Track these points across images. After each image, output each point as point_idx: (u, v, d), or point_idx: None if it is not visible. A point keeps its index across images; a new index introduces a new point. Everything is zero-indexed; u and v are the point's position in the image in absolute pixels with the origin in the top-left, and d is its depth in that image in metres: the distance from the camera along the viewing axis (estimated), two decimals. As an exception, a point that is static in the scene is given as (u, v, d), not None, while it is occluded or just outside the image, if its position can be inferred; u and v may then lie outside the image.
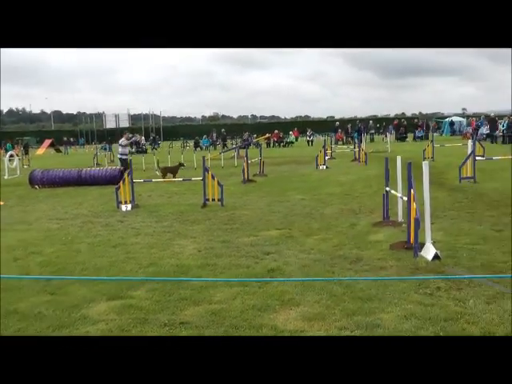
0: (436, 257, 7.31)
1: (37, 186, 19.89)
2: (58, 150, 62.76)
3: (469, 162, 16.23)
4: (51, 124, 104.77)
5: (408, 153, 26.75)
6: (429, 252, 7.41)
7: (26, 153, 43.75)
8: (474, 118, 56.24)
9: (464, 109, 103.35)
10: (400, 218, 10.00)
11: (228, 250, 8.50)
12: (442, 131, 62.22)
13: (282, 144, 52.14)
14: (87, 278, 7.14)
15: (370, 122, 59.09)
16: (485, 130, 43.30)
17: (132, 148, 47.32)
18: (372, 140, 50.60)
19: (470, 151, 16.56)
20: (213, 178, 13.63)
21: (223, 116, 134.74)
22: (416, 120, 63.51)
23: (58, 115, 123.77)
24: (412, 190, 7.91)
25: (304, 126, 70.64)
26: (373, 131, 54.07)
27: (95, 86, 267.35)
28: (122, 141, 22.88)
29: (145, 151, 46.56)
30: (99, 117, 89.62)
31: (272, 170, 23.43)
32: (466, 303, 5.67)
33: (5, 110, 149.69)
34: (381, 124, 62.91)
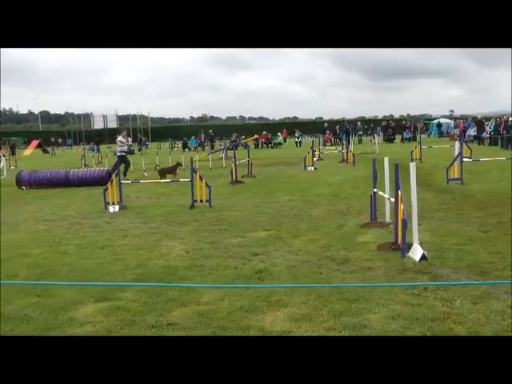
0: (423, 257, 7.33)
1: (24, 187, 19.79)
2: (45, 151, 62.52)
3: (456, 164, 16.30)
4: (39, 124, 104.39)
5: (396, 154, 26.85)
6: (416, 253, 7.43)
7: (13, 153, 43.57)
8: (461, 120, 56.62)
9: (451, 111, 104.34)
10: (387, 219, 10.03)
11: (216, 251, 8.49)
12: (430, 133, 62.54)
13: (270, 145, 52.24)
14: (80, 284, 7.11)
15: (358, 123, 59.34)
16: (472, 131, 43.55)
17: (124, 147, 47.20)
18: (360, 141, 50.71)
19: (457, 153, 16.64)
20: (201, 179, 13.61)
21: (211, 117, 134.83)
22: (404, 122, 63.71)
23: (45, 115, 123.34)
24: (399, 191, 7.94)
25: (292, 127, 70.83)
26: (361, 133, 54.23)
27: (83, 86, 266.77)
28: (120, 139, 22.80)
29: (132, 152, 46.36)
30: (87, 117, 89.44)
31: (260, 171, 23.44)
32: (452, 303, 5.69)
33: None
34: (369, 125, 63.14)
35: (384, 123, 58.34)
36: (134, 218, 12.22)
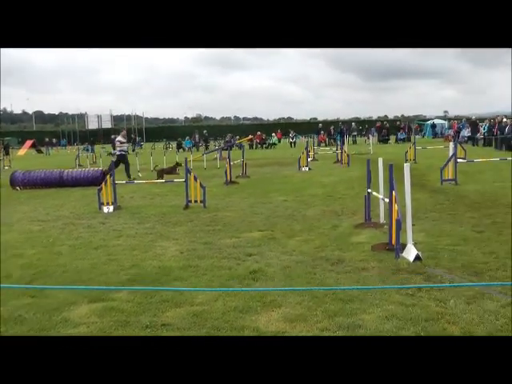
0: (417, 258, 7.35)
1: (18, 188, 19.73)
2: (39, 151, 62.37)
3: (450, 165, 16.34)
4: (33, 124, 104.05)
5: (390, 155, 26.91)
6: (410, 253, 7.45)
7: (7, 154, 43.34)
8: (455, 121, 56.69)
9: (446, 111, 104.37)
10: (382, 220, 10.05)
11: (210, 252, 8.49)
12: (424, 134, 62.63)
13: (264, 145, 52.28)
14: (73, 288, 7.09)
15: (353, 124, 59.40)
16: (466, 132, 43.65)
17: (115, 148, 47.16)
18: (354, 142, 50.83)
19: (451, 153, 16.68)
20: (195, 179, 13.60)
21: (206, 117, 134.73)
22: (398, 122, 63.83)
23: (39, 115, 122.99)
24: (394, 192, 7.96)
25: (287, 127, 70.84)
26: (355, 133, 54.33)
27: (77, 86, 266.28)
28: (120, 139, 22.77)
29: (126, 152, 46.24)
30: (81, 117, 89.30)
31: (255, 171, 23.44)
32: (446, 303, 5.70)
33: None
34: (363, 126, 63.28)
35: (378, 124, 58.46)
36: (128, 218, 12.20)
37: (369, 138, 43.00)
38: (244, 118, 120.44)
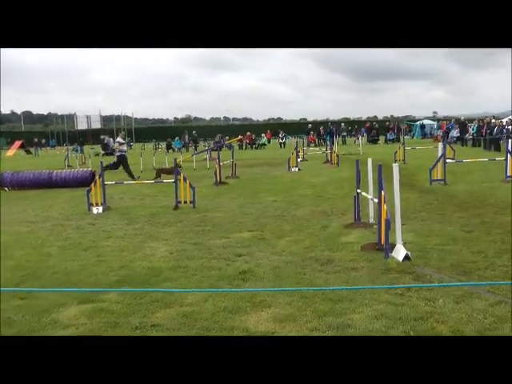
0: (406, 257, 7.38)
1: (6, 189, 19.63)
2: (28, 152, 62.06)
3: (439, 165, 16.41)
4: (21, 125, 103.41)
5: (379, 155, 27.00)
6: (399, 253, 7.47)
7: (-4, 154, 43.16)
8: (444, 122, 56.93)
9: (435, 112, 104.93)
10: (371, 220, 10.07)
11: (200, 252, 8.48)
12: (414, 134, 62.87)
13: (254, 146, 52.32)
14: (62, 290, 7.07)
15: (342, 124, 59.49)
16: (455, 133, 43.81)
17: (106, 149, 46.99)
18: (344, 142, 50.95)
19: (440, 154, 16.76)
20: (185, 180, 13.59)
21: (195, 118, 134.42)
22: (388, 123, 63.93)
23: (28, 116, 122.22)
24: (383, 192, 7.98)
25: (276, 128, 70.76)
26: (345, 134, 54.46)
27: (66, 86, 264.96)
28: (119, 140, 22.72)
29: (112, 153, 46.08)
30: (70, 118, 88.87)
31: (244, 171, 23.45)
32: (435, 303, 5.73)
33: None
34: (353, 126, 63.34)
35: (368, 124, 58.61)
36: (117, 219, 12.17)
37: (358, 139, 43.14)
38: (233, 119, 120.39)
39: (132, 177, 21.17)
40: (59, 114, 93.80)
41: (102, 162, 14.83)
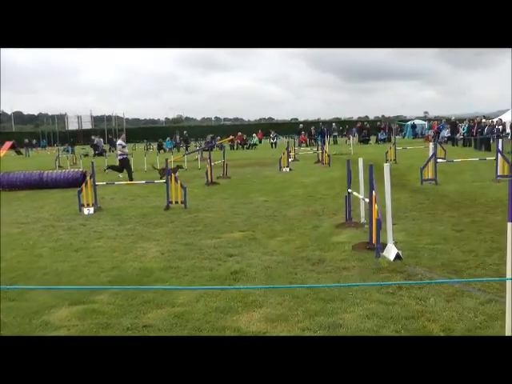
0: (398, 257, 7.40)
1: (-3, 190, 19.54)
2: (18, 153, 61.80)
3: (430, 165, 16.47)
4: (12, 125, 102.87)
5: (370, 155, 27.03)
6: (390, 252, 7.49)
7: (-14, 155, 42.92)
8: (435, 122, 57.10)
9: (426, 112, 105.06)
10: (362, 220, 10.09)
11: (191, 253, 8.47)
12: (405, 134, 62.95)
13: (245, 146, 52.28)
14: (54, 288, 7.04)
15: (334, 124, 59.56)
16: (446, 133, 43.98)
17: (96, 150, 46.90)
18: (335, 142, 51.01)
19: (431, 154, 16.80)
20: (176, 180, 13.58)
21: (187, 118, 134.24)
22: (379, 123, 64.07)
23: (18, 116, 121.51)
24: (374, 192, 8.00)
25: (268, 128, 70.77)
26: (336, 134, 54.50)
27: (57, 86, 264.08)
28: (120, 142, 22.63)
29: (102, 153, 45.93)
30: (61, 118, 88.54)
31: (235, 172, 23.44)
32: (426, 301, 5.75)
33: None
34: (344, 126, 63.40)
35: (359, 124, 58.65)
36: (108, 220, 12.14)
37: (349, 139, 43.18)
38: (225, 119, 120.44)
39: (131, 179, 21.07)
40: (50, 114, 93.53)
41: (92, 163, 14.75)
